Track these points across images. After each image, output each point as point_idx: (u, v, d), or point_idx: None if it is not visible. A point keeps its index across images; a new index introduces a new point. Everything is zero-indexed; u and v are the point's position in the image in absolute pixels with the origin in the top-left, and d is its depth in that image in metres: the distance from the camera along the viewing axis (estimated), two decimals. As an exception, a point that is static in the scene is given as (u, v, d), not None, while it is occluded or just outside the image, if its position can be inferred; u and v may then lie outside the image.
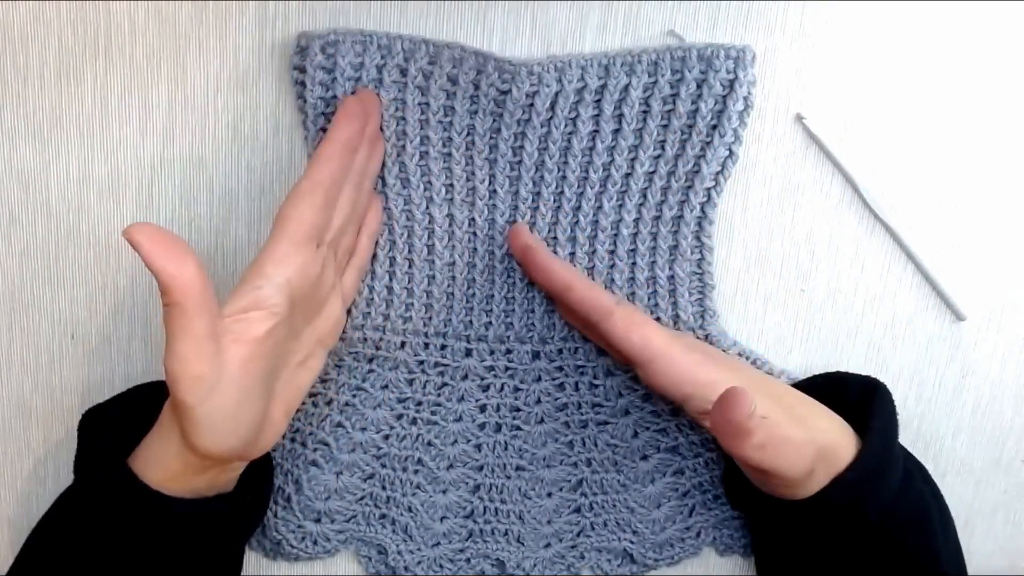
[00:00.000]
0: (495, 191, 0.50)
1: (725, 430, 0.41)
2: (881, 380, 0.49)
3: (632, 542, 0.53)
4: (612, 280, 0.50)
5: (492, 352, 0.52)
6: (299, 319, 0.45)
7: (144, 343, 0.53)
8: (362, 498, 0.53)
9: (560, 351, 0.52)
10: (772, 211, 0.51)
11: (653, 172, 0.49)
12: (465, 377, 0.52)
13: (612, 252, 0.50)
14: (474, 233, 0.50)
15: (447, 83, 0.47)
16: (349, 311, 0.51)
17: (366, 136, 0.47)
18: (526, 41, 0.49)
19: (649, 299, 0.51)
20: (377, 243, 0.50)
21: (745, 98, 0.47)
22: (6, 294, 0.52)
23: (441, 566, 0.53)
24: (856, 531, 0.45)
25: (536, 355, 0.52)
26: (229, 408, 0.40)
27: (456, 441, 0.52)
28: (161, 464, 0.42)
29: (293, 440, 0.52)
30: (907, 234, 0.51)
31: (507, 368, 0.52)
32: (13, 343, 0.53)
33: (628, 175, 0.49)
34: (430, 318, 0.51)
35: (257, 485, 0.47)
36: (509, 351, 0.52)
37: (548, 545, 0.53)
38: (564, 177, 0.49)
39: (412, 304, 0.51)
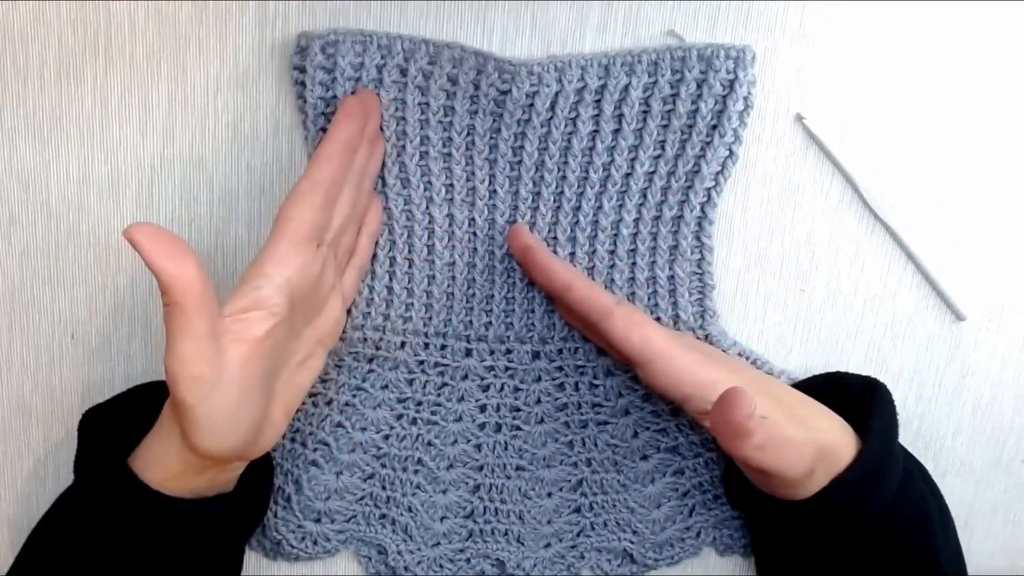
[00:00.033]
0: (495, 191, 0.50)
1: (725, 430, 0.41)
2: (881, 380, 0.49)
3: (632, 542, 0.53)
4: (612, 280, 0.50)
5: (492, 352, 0.52)
6: (299, 319, 0.45)
7: (144, 343, 0.53)
8: (362, 498, 0.53)
9: (560, 351, 0.52)
10: (772, 211, 0.51)
11: (653, 172, 0.49)
12: (465, 377, 0.52)
13: (612, 252, 0.50)
14: (474, 233, 0.50)
15: (447, 83, 0.47)
16: (349, 311, 0.51)
17: (366, 136, 0.47)
18: (526, 41, 0.49)
19: (649, 299, 0.51)
20: (377, 243, 0.50)
21: (745, 98, 0.47)
22: (6, 294, 0.52)
23: (441, 566, 0.53)
24: (856, 531, 0.45)
25: (536, 355, 0.52)
26: (229, 408, 0.40)
27: (456, 441, 0.52)
28: (161, 464, 0.42)
29: (293, 440, 0.52)
30: (907, 234, 0.51)
31: (507, 368, 0.52)
32: (13, 343, 0.53)
33: (628, 175, 0.49)
34: (430, 318, 0.51)
35: (257, 485, 0.47)
36: (509, 351, 0.52)
37: (548, 545, 0.53)
38: (564, 177, 0.49)
39: (412, 304, 0.51)
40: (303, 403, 0.51)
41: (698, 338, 0.51)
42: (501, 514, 0.53)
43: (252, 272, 0.42)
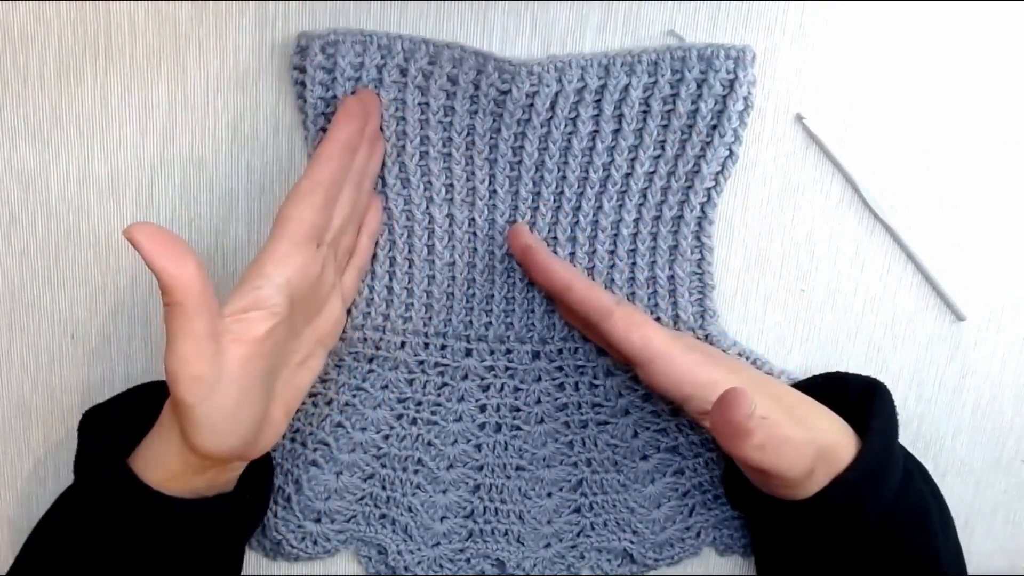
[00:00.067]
0: (495, 191, 0.50)
1: (725, 430, 0.41)
2: (881, 380, 0.49)
3: (632, 542, 0.53)
4: (612, 280, 0.50)
5: (492, 352, 0.52)
6: (299, 319, 0.45)
7: (144, 343, 0.53)
8: (362, 498, 0.53)
9: (560, 351, 0.52)
10: (772, 211, 0.51)
11: (653, 172, 0.49)
12: (465, 377, 0.52)
13: (612, 252, 0.50)
14: (474, 233, 0.50)
15: (447, 83, 0.47)
16: (349, 311, 0.51)
17: (366, 136, 0.47)
18: (526, 41, 0.49)
19: (649, 299, 0.51)
20: (377, 243, 0.50)
21: (745, 98, 0.47)
22: (6, 294, 0.52)
23: (441, 566, 0.53)
24: (856, 531, 0.45)
25: (536, 355, 0.52)
26: (229, 408, 0.40)
27: (456, 441, 0.52)
28: (161, 464, 0.42)
29: (293, 440, 0.52)
30: (907, 234, 0.51)
31: (507, 368, 0.52)
32: (13, 343, 0.53)
33: (628, 175, 0.49)
34: (430, 318, 0.51)
35: (257, 485, 0.47)
36: (509, 351, 0.52)
37: (548, 545, 0.53)
38: (564, 177, 0.49)
39: (412, 304, 0.51)
40: (303, 403, 0.51)
41: (698, 338, 0.51)
42: (501, 514, 0.53)
43: (252, 272, 0.42)
